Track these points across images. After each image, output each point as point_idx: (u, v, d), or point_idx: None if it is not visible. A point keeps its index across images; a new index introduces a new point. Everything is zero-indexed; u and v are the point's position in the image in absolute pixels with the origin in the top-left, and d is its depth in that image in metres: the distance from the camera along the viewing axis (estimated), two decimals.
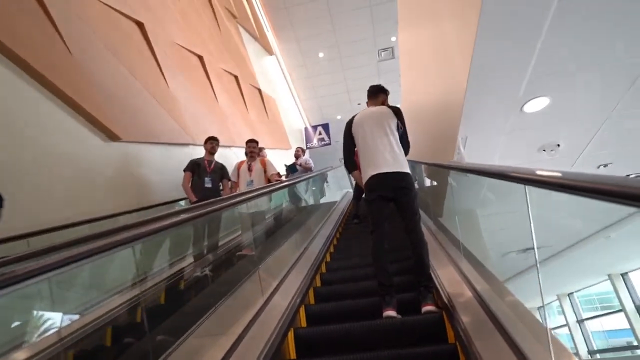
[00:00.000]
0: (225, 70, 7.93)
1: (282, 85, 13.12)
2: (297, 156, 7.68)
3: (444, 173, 4.01)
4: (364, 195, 3.06)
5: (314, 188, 8.91)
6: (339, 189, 10.95)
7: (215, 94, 7.02)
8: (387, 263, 2.50)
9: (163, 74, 5.33)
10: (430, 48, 4.95)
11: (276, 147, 10.58)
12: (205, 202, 2.02)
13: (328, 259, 4.01)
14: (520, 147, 3.76)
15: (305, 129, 15.26)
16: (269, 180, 4.55)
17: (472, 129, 3.33)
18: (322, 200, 7.65)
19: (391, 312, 2.30)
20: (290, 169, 7.44)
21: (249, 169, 4.60)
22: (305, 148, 14.89)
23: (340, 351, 2.07)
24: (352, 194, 10.02)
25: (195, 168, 4.38)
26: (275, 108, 11.71)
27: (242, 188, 4.48)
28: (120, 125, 4.11)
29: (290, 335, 2.21)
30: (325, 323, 2.39)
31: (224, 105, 7.29)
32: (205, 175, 4.35)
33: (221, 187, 4.56)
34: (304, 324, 2.53)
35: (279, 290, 2.72)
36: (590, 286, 12.71)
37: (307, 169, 7.25)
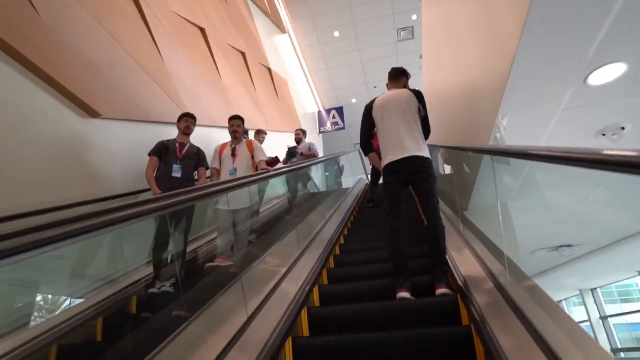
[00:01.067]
0: (231, 46, 7.31)
1: (295, 66, 12.44)
2: (297, 140, 6.51)
3: (473, 160, 3.41)
4: (380, 180, 2.96)
5: (327, 173, 8.32)
6: (352, 175, 10.39)
7: (218, 71, 6.43)
8: (403, 245, 2.51)
9: (156, 45, 4.76)
10: (463, 18, 4.25)
11: (287, 130, 9.99)
12: (158, 195, 1.46)
13: (342, 241, 3.97)
14: (574, 129, 3.07)
15: (319, 112, 14.61)
16: (257, 169, 3.78)
17: (517, 106, 2.67)
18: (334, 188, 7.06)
19: (405, 294, 2.30)
20: (289, 154, 6.31)
21: (233, 154, 3.75)
22: (318, 131, 14.27)
23: (353, 331, 2.02)
24: (364, 181, 9.48)
25: (163, 152, 3.55)
26: (287, 89, 11.07)
27: (225, 177, 3.62)
28: (100, 99, 3.57)
29: (304, 313, 2.21)
30: (338, 303, 2.37)
31: (228, 83, 6.71)
32: (173, 162, 3.48)
33: (196, 177, 3.68)
34: (317, 303, 2.53)
35: (291, 271, 2.70)
36: (617, 282, 12.17)
37: (310, 157, 6.09)
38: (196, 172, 3.69)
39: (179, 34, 5.47)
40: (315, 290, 2.55)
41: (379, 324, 2.13)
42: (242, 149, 3.80)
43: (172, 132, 4.03)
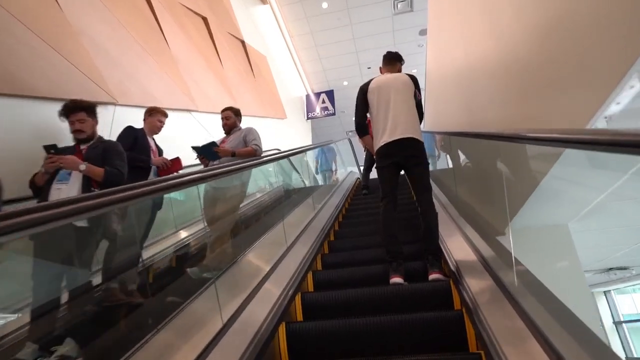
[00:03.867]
0: (186, 7, 5.88)
1: (278, 43, 10.98)
2: (228, 128, 3.75)
3: (536, 155, 2.11)
4: (374, 166, 2.90)
5: (320, 163, 7.04)
6: (341, 167, 9.13)
7: (165, 37, 5.03)
8: (396, 230, 2.55)
9: None
10: None
11: (266, 115, 8.60)
12: None
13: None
14: None
15: (307, 96, 13.20)
16: None
17: None
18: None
19: (398, 279, 2.33)
20: (205, 152, 3.50)
21: None
22: (306, 117, 12.88)
23: (346, 315, 2.01)
24: (355, 175, 8.25)
25: None
26: (266, 68, 9.64)
27: None
28: None
29: (298, 298, 2.22)
30: (332, 289, 2.37)
31: (180, 55, 5.31)
32: None
33: None
34: (311, 289, 2.55)
35: (286, 256, 2.67)
36: (636, 285, 11.14)
37: (246, 156, 3.45)
38: None
39: None
40: (310, 276, 2.54)
41: (372, 309, 2.13)
42: None
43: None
